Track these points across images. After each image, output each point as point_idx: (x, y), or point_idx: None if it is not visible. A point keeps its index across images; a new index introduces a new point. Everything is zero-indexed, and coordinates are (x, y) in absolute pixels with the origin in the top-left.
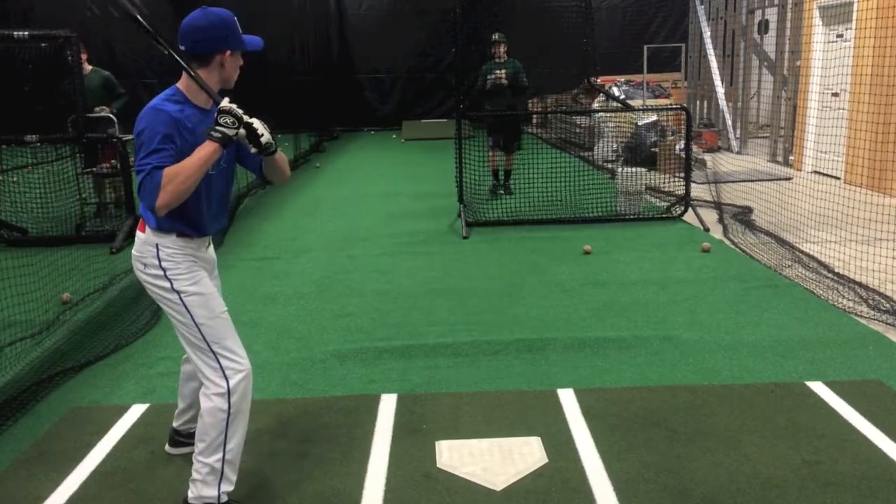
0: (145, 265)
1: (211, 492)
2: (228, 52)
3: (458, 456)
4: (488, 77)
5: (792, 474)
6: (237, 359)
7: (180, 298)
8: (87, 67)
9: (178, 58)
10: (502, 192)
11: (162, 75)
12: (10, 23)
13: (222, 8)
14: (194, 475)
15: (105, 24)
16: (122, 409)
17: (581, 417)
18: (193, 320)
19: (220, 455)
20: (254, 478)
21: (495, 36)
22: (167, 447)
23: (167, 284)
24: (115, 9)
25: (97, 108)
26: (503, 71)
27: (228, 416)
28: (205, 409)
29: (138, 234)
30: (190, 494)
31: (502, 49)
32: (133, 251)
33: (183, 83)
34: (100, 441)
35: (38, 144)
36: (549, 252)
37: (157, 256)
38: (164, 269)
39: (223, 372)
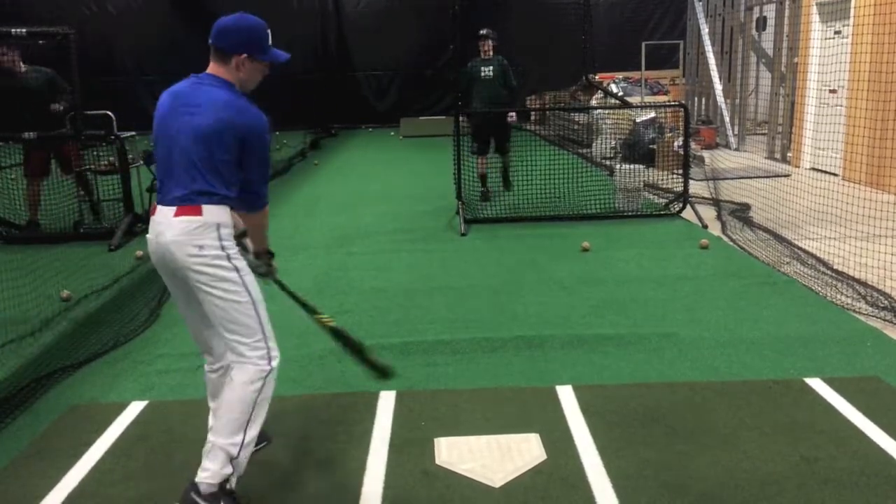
0: None
1: (226, 470)
2: (245, 55)
3: (456, 453)
4: (480, 73)
5: (790, 471)
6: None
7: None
8: (22, 67)
9: None
10: (502, 188)
11: (163, 74)
12: (8, 21)
13: (255, 16)
14: (210, 461)
15: (104, 23)
16: (120, 407)
17: (580, 414)
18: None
19: (240, 437)
20: (252, 475)
21: (483, 31)
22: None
23: None
24: (113, 6)
25: (53, 107)
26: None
27: (258, 397)
28: (238, 382)
29: None
30: (204, 476)
31: (489, 45)
32: None
33: (224, 74)
34: (98, 438)
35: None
36: (548, 249)
37: None
38: None
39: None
